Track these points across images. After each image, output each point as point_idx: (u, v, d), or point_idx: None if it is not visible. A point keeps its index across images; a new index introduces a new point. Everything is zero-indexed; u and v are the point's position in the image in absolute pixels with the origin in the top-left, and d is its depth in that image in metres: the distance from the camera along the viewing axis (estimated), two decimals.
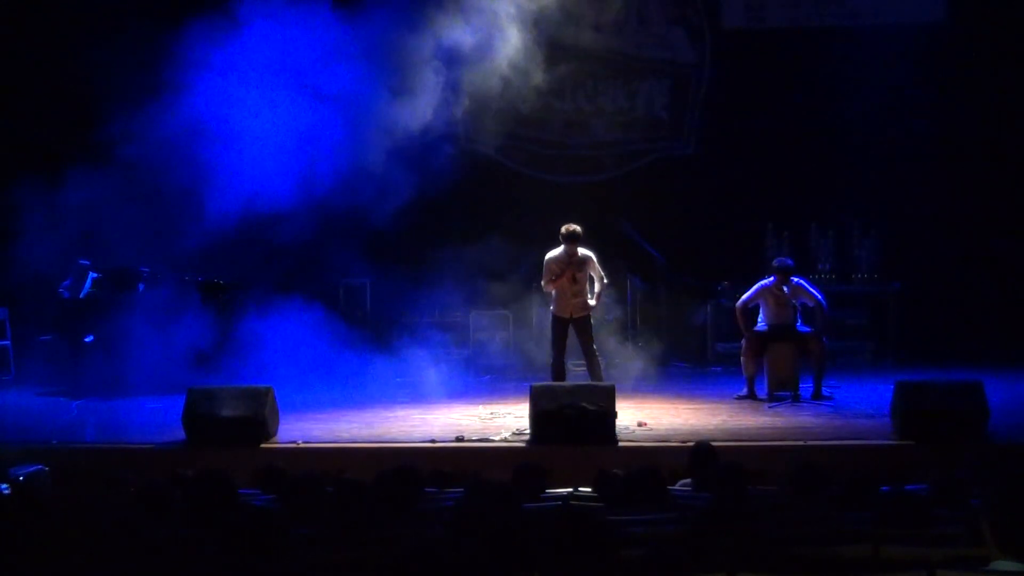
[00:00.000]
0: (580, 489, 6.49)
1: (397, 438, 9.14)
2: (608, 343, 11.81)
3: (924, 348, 12.80)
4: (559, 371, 10.30)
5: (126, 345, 11.37)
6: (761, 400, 10.63)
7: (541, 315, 12.44)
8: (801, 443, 8.65)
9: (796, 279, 10.83)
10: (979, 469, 6.12)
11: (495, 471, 6.84)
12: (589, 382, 9.92)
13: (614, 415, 8.83)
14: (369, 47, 11.11)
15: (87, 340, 11.95)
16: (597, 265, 10.28)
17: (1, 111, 13.65)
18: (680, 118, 14.73)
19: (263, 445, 8.87)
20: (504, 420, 9.80)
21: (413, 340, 12.45)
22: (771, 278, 10.81)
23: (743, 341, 10.90)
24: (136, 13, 12.18)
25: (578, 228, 10.06)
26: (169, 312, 11.62)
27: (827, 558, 4.44)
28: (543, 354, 11.56)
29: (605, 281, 10.46)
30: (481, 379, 12.13)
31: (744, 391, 10.81)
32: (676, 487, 6.65)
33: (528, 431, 8.97)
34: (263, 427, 8.94)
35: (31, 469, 7.42)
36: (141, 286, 12.30)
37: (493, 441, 8.92)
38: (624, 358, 12.63)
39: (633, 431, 9.21)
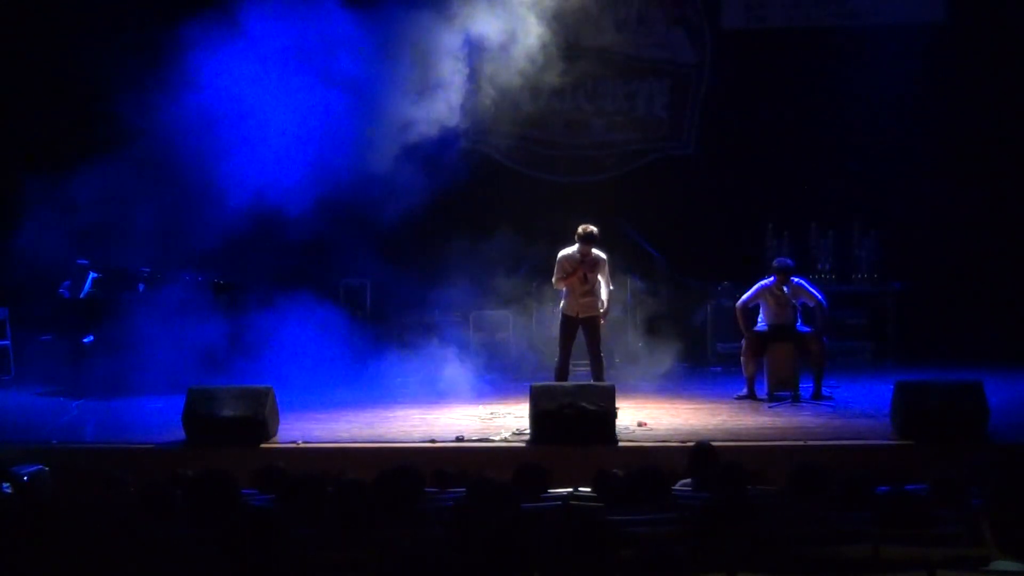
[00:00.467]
0: (580, 489, 6.50)
1: (397, 438, 9.15)
2: (608, 343, 11.80)
3: (924, 348, 12.80)
4: (563, 371, 10.28)
5: (126, 345, 11.36)
6: (761, 400, 10.63)
7: (541, 315, 12.45)
8: (801, 443, 8.67)
9: (796, 279, 10.83)
10: (979, 469, 6.11)
11: (495, 471, 6.84)
12: (589, 382, 9.92)
13: (614, 415, 8.84)
14: (368, 47, 11.11)
15: (87, 340, 11.95)
16: (607, 271, 10.27)
17: (2, 110, 13.65)
18: (680, 118, 14.73)
19: (263, 445, 8.87)
20: (504, 420, 9.81)
21: (413, 340, 12.45)
22: (771, 278, 10.81)
23: (743, 341, 10.90)
24: (142, 12, 12.20)
25: (594, 229, 10.04)
26: (169, 312, 11.63)
27: (827, 558, 4.44)
28: (543, 354, 11.57)
29: (611, 288, 10.46)
30: (481, 379, 12.13)
31: (744, 391, 10.82)
32: (676, 487, 6.66)
33: (528, 431, 8.97)
34: (263, 427, 8.94)
35: (31, 469, 7.43)
36: (141, 286, 12.30)
37: (493, 441, 8.93)
38: (624, 358, 12.65)
39: (633, 431, 9.21)
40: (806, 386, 10.77)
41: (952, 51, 13.69)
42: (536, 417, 8.82)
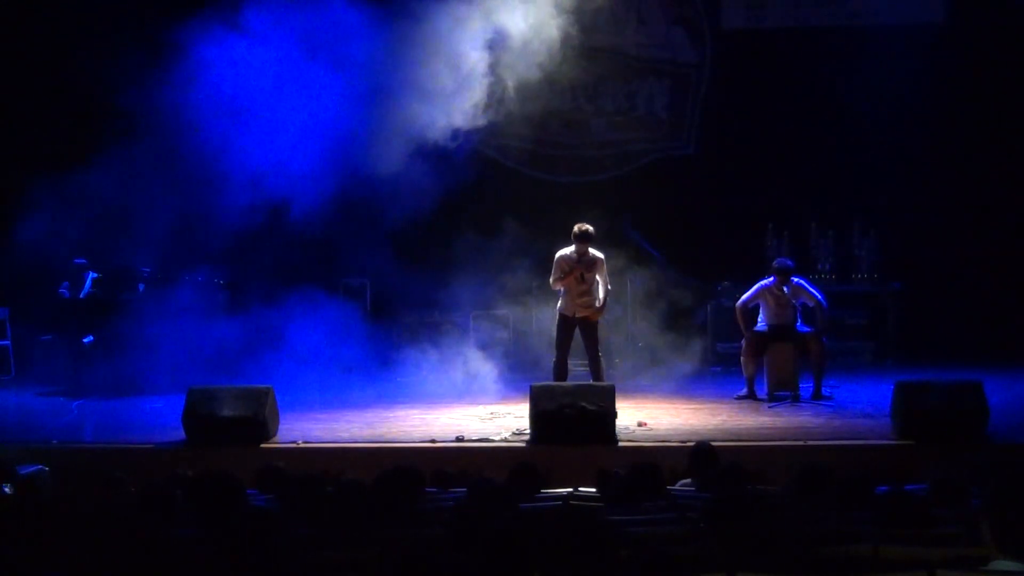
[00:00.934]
0: (580, 489, 6.50)
1: (397, 438, 9.14)
2: (608, 343, 11.80)
3: (924, 348, 12.80)
4: (561, 371, 10.29)
5: (126, 345, 11.36)
6: (761, 400, 10.64)
7: (541, 315, 12.44)
8: (801, 443, 8.67)
9: (796, 279, 10.83)
10: (979, 469, 6.11)
11: (495, 471, 6.84)
12: (589, 382, 9.92)
13: (614, 415, 8.84)
14: (365, 48, 11.10)
15: (87, 340, 11.95)
16: (605, 270, 10.26)
17: (2, 108, 13.65)
18: (680, 118, 14.73)
19: (263, 445, 8.87)
20: (504, 420, 9.81)
21: (413, 340, 12.44)
22: (771, 278, 10.81)
23: (743, 341, 10.91)
24: (145, 10, 12.19)
25: (590, 228, 10.04)
26: (169, 312, 11.63)
27: (827, 558, 4.44)
28: (543, 354, 11.56)
29: (609, 288, 10.45)
30: (481, 379, 12.12)
31: (744, 391, 10.82)
32: (676, 487, 6.66)
33: (528, 431, 8.97)
34: (263, 427, 8.94)
35: (31, 469, 7.44)
36: (141, 286, 12.30)
37: (493, 441, 8.93)
38: (624, 358, 12.64)
39: (633, 431, 9.21)
40: (806, 386, 10.77)
41: (952, 51, 13.69)
42: (536, 417, 8.82)
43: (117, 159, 11.11)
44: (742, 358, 10.92)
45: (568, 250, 10.14)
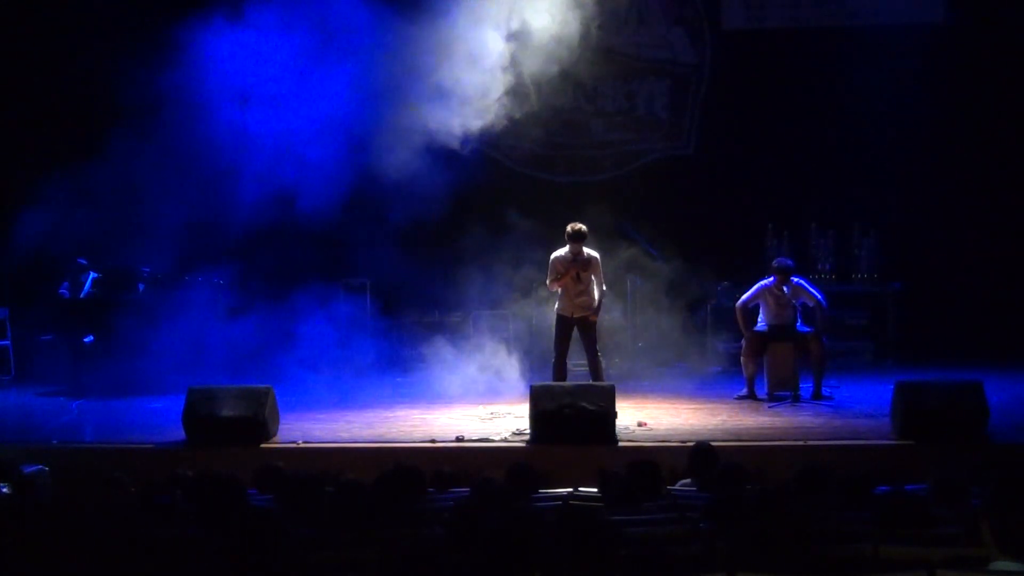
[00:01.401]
0: (581, 489, 6.50)
1: (397, 438, 9.15)
2: (608, 343, 11.79)
3: (924, 348, 12.79)
4: (560, 371, 10.29)
5: (126, 345, 11.36)
6: (761, 400, 10.63)
7: (541, 315, 12.43)
8: (801, 443, 8.67)
9: (796, 279, 10.83)
10: (979, 469, 6.11)
11: (495, 471, 6.84)
12: (589, 382, 9.92)
13: (614, 415, 8.84)
14: (365, 48, 11.11)
15: (87, 340, 11.95)
16: (600, 270, 10.26)
17: (2, 107, 13.64)
18: (680, 118, 14.73)
19: (263, 445, 8.87)
20: (504, 420, 9.80)
21: (413, 340, 12.43)
22: (771, 278, 10.81)
23: (743, 341, 10.91)
24: (149, 9, 12.19)
25: (583, 227, 10.05)
26: (169, 312, 11.62)
27: (827, 558, 4.44)
28: (543, 354, 11.55)
29: (604, 288, 10.45)
30: (481, 379, 12.11)
31: (744, 391, 10.82)
32: (676, 487, 6.66)
33: (528, 431, 8.97)
34: (263, 427, 8.94)
35: (31, 469, 7.43)
36: (141, 286, 12.30)
37: (493, 441, 8.93)
38: (624, 358, 12.63)
39: (633, 431, 9.21)
40: (806, 386, 10.77)
41: (952, 51, 13.68)
42: (536, 417, 8.82)
43: (119, 158, 11.12)
44: (742, 358, 10.92)
45: (563, 251, 10.15)
